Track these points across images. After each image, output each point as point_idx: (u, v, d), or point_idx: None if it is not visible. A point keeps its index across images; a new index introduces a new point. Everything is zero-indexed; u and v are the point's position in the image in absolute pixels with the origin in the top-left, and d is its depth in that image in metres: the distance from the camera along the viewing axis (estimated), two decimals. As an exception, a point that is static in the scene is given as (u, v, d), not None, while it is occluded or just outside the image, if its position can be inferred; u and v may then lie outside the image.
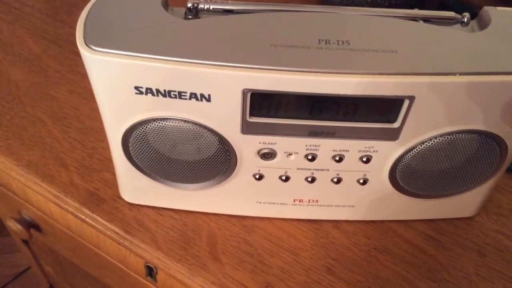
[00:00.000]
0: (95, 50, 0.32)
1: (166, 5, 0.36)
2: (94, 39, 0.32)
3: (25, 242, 0.85)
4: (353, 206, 0.43)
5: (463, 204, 0.44)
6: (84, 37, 0.32)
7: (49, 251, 0.83)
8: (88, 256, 0.61)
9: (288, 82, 0.32)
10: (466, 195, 0.43)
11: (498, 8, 0.37)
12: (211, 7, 0.36)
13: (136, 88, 0.33)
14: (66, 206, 0.46)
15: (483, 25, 0.36)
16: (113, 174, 0.44)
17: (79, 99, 0.54)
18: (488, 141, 0.37)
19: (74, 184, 0.47)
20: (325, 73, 0.32)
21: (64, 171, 0.48)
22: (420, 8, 0.61)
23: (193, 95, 0.33)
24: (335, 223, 0.45)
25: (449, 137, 0.36)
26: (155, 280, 0.50)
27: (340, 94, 0.33)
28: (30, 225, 0.68)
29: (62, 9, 0.64)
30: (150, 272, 0.51)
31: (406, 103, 0.33)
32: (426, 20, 0.36)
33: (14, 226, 0.67)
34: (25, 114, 0.52)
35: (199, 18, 0.36)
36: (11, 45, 0.60)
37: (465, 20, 0.36)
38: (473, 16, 0.38)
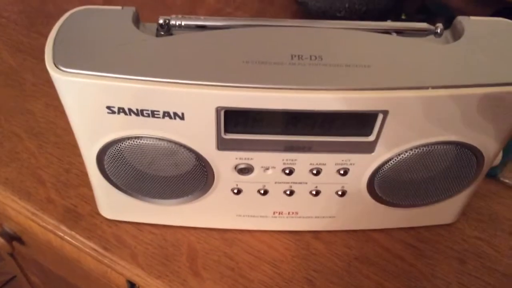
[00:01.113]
0: (65, 71, 0.31)
1: (137, 22, 0.35)
2: (63, 60, 0.32)
3: (9, 254, 0.84)
4: (333, 217, 0.43)
5: (443, 211, 0.44)
6: (53, 58, 0.32)
7: (34, 262, 0.82)
8: (71, 268, 0.61)
9: (261, 99, 0.32)
10: (445, 202, 0.43)
11: (472, 17, 0.37)
12: (183, 23, 0.35)
13: (108, 107, 0.33)
14: (44, 224, 0.45)
15: (456, 36, 0.36)
16: (91, 189, 0.43)
17: (56, 112, 0.53)
18: (464, 151, 0.37)
19: (52, 200, 0.46)
20: (298, 90, 0.31)
21: (41, 187, 0.47)
22: (399, 12, 0.62)
23: (166, 114, 0.33)
24: (316, 233, 0.45)
25: (424, 148, 0.36)
26: (137, 294, 0.50)
27: (314, 110, 0.33)
28: (13, 238, 0.67)
29: (38, 20, 0.63)
30: (132, 286, 0.50)
31: (380, 117, 0.33)
32: (399, 32, 0.36)
33: (-5, 239, 0.66)
34: (1, 129, 0.51)
35: (171, 34, 0.35)
36: (-14, 58, 0.59)
37: (439, 31, 0.36)
38: (451, 19, 0.38)
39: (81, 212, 0.45)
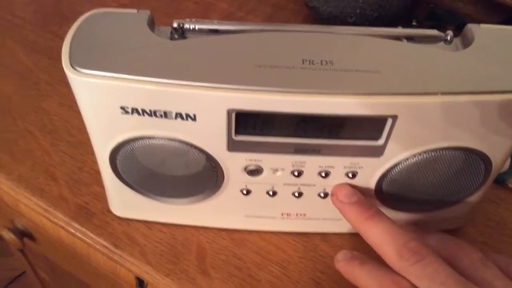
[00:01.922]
0: (81, 72, 0.32)
1: (152, 25, 0.36)
2: (80, 60, 0.32)
3: (19, 249, 0.85)
4: (341, 219, 0.43)
5: (450, 216, 0.45)
6: (70, 59, 0.33)
7: (44, 258, 0.84)
8: (81, 265, 0.62)
9: (272, 102, 0.32)
10: (452, 208, 0.43)
11: (482, 25, 0.37)
12: (196, 27, 0.36)
13: (122, 108, 0.34)
14: (55, 220, 0.46)
15: (466, 43, 0.37)
16: (103, 187, 0.44)
17: (70, 111, 0.54)
18: (472, 157, 0.37)
19: (64, 198, 0.47)
20: (308, 93, 0.32)
21: (54, 184, 0.48)
22: (409, 18, 0.62)
23: (178, 115, 0.34)
24: (324, 236, 0.45)
25: (432, 153, 0.36)
26: (146, 291, 0.51)
27: (323, 114, 0.33)
28: (24, 234, 0.68)
29: (53, 21, 0.64)
30: (141, 284, 0.51)
31: (390, 121, 0.34)
32: (410, 38, 0.37)
33: (7, 235, 0.67)
34: (15, 128, 0.52)
35: (185, 38, 0.36)
36: (1, 57, 0.60)
37: (449, 38, 0.37)
38: (460, 26, 0.38)
39: (92, 210, 0.46)
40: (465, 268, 0.33)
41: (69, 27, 0.34)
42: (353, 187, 0.39)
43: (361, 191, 0.40)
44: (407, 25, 0.62)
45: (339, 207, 0.38)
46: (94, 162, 0.40)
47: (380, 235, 0.34)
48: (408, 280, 0.32)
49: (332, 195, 0.38)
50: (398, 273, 0.33)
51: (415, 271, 0.32)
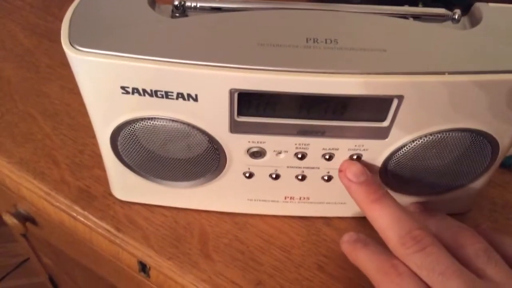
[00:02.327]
0: (80, 50, 0.31)
1: (153, 3, 0.35)
2: (79, 39, 0.32)
3: (22, 234, 0.86)
4: (344, 203, 0.43)
5: (456, 200, 0.44)
6: (69, 37, 0.32)
7: (47, 243, 0.84)
8: (83, 249, 0.61)
9: (275, 82, 0.32)
10: (458, 191, 0.42)
11: (490, 4, 0.36)
12: (198, 5, 0.35)
13: (122, 88, 0.33)
14: (57, 204, 0.46)
15: (474, 22, 0.36)
16: (104, 170, 0.43)
17: (70, 94, 0.53)
18: (479, 139, 0.36)
19: (66, 181, 0.46)
20: (312, 73, 0.31)
21: (56, 168, 0.47)
22: (411, 1, 0.61)
23: (180, 95, 0.33)
24: (327, 220, 0.45)
25: (439, 135, 0.36)
26: (148, 275, 0.50)
27: (328, 94, 0.32)
28: (26, 219, 0.68)
29: (53, 3, 0.63)
30: (144, 268, 0.51)
31: (395, 102, 0.33)
32: (416, 17, 0.36)
33: (10, 220, 0.67)
34: (16, 110, 0.52)
35: (186, 16, 0.35)
36: (2, 40, 0.60)
37: (456, 17, 0.36)
38: (467, 8, 0.37)
39: (94, 193, 0.46)
40: (468, 258, 0.32)
41: (70, 9, 0.34)
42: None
43: (366, 174, 0.40)
44: (413, 4, 0.61)
45: (346, 184, 0.37)
46: (96, 145, 0.40)
47: (385, 219, 0.34)
48: (407, 266, 0.32)
49: (340, 171, 0.37)
50: (398, 258, 0.32)
51: (415, 259, 0.31)
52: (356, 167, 0.37)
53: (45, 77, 0.55)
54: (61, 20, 0.33)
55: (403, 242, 0.32)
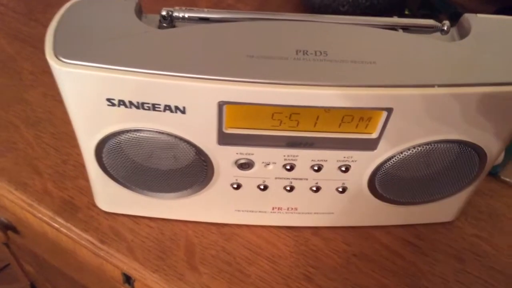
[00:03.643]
0: (65, 62, 0.31)
1: (139, 13, 0.34)
2: (63, 50, 0.31)
3: (3, 243, 0.84)
4: (332, 213, 0.43)
5: (443, 209, 0.44)
6: (54, 48, 0.31)
7: (29, 251, 0.82)
8: (67, 259, 0.60)
9: (264, 95, 0.31)
10: (446, 200, 0.42)
11: (479, 15, 0.36)
12: (186, 15, 0.35)
13: (108, 100, 0.32)
14: (40, 215, 0.45)
15: (463, 33, 0.36)
16: (88, 181, 0.43)
17: (53, 102, 0.52)
18: (467, 150, 0.36)
19: (48, 192, 0.45)
20: (302, 86, 0.31)
21: (38, 178, 0.46)
22: (402, 7, 0.61)
23: (167, 107, 0.32)
24: (315, 229, 0.45)
25: (427, 147, 0.36)
26: (133, 287, 0.50)
27: (317, 106, 0.32)
28: (7, 227, 0.66)
29: (37, 8, 0.62)
30: (128, 279, 0.50)
31: (384, 114, 0.33)
32: (405, 28, 0.36)
33: (-10, 229, 0.65)
34: (-3, 119, 0.51)
35: (174, 26, 0.35)
36: (-17, 46, 0.58)
37: (445, 28, 0.36)
38: (452, 15, 0.37)
39: (77, 204, 0.45)
40: None
41: (53, 14, 0.33)
42: (346, 180, 0.39)
43: (354, 185, 0.39)
44: (400, 14, 0.62)
45: None
46: (79, 154, 0.39)
47: None
48: None
49: None
50: None
51: None
52: None
53: (27, 84, 0.54)
54: (44, 26, 0.33)
55: None
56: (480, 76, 0.32)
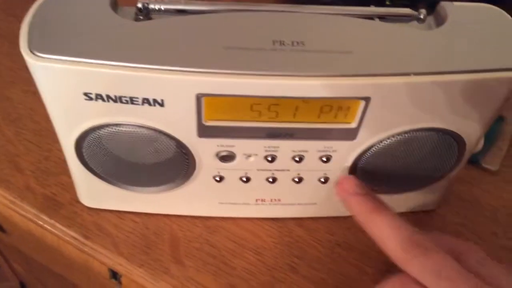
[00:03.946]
0: (40, 57, 0.30)
1: (115, 5, 0.34)
2: (39, 45, 0.31)
3: (-10, 241, 0.83)
4: (315, 203, 0.43)
5: (425, 197, 0.44)
6: (28, 43, 0.31)
7: (16, 250, 0.82)
8: (54, 257, 0.60)
9: (241, 86, 0.31)
10: (427, 189, 0.43)
11: (455, 3, 0.37)
12: (162, 7, 0.34)
13: (85, 94, 0.32)
14: (23, 212, 0.45)
15: (440, 21, 0.36)
16: (71, 177, 0.42)
17: (34, 98, 0.52)
18: (445, 137, 0.37)
19: (31, 188, 0.45)
20: (279, 76, 0.31)
21: (20, 175, 0.46)
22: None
23: (145, 101, 0.32)
24: (299, 220, 0.45)
25: (406, 135, 0.36)
26: (120, 282, 0.50)
27: (295, 97, 0.32)
28: (-7, 226, 0.66)
29: (15, 4, 0.61)
30: (115, 274, 0.50)
31: (362, 104, 0.33)
32: (382, 17, 0.36)
33: (-25, 228, 0.65)
34: (-23, 116, 0.50)
35: (150, 19, 0.35)
36: (-39, 43, 0.58)
37: (422, 16, 0.36)
38: (432, 4, 0.37)
39: (61, 201, 0.44)
40: (471, 266, 0.31)
41: (33, 9, 0.33)
42: (328, 170, 0.39)
43: (336, 175, 0.40)
44: (380, 3, 0.62)
45: (344, 197, 0.36)
46: (61, 150, 0.39)
47: (384, 228, 0.32)
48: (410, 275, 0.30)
49: (338, 185, 0.36)
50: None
51: (418, 264, 0.30)
52: (353, 181, 0.36)
53: (6, 80, 0.54)
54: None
55: (404, 248, 0.30)
56: (456, 64, 0.32)
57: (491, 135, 0.51)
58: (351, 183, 0.36)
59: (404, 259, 0.30)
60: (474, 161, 0.49)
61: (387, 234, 0.32)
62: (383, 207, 0.34)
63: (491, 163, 0.50)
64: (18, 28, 0.30)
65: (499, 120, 0.52)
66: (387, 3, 0.61)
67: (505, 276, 0.30)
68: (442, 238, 0.35)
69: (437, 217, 0.46)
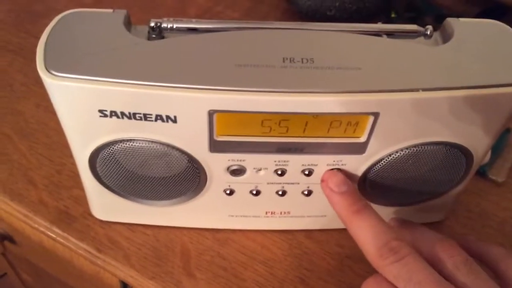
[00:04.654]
0: (56, 76, 0.31)
1: (128, 25, 0.35)
2: (54, 64, 0.32)
3: (0, 253, 0.84)
4: (325, 216, 0.44)
5: (433, 209, 0.45)
6: (45, 62, 0.32)
7: (26, 260, 0.82)
8: (64, 268, 0.61)
9: (253, 103, 0.32)
10: (435, 201, 0.43)
11: (461, 19, 0.37)
12: (174, 26, 0.35)
13: (100, 111, 0.33)
14: (36, 226, 0.45)
15: (446, 38, 0.37)
16: (83, 190, 0.43)
17: (46, 113, 0.53)
18: (453, 151, 0.37)
19: (44, 202, 0.46)
20: (289, 93, 0.32)
21: (33, 189, 0.47)
22: (388, 10, 0.62)
23: (158, 117, 0.33)
24: (308, 232, 0.45)
25: (414, 149, 0.36)
26: (131, 294, 0.50)
27: (305, 113, 0.33)
28: (4, 237, 0.67)
29: (26, 19, 0.62)
30: (126, 286, 0.50)
31: (371, 119, 0.34)
32: (390, 34, 0.37)
33: (-14, 240, 0.66)
34: (-9, 131, 0.51)
35: (163, 37, 0.35)
36: (-26, 58, 0.59)
37: (428, 33, 0.37)
38: (438, 17, 0.38)
39: (73, 214, 0.45)
40: (447, 270, 0.33)
41: (43, 25, 0.33)
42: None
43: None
44: (386, 18, 0.62)
45: (327, 194, 0.37)
46: (74, 164, 0.39)
47: (364, 231, 0.34)
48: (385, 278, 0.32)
49: (322, 181, 0.38)
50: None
51: (392, 270, 0.31)
52: (337, 177, 0.37)
53: (19, 95, 0.55)
54: (34, 37, 0.33)
55: (381, 253, 0.32)
56: (464, 80, 0.33)
57: (498, 146, 0.51)
58: (336, 179, 0.36)
59: (379, 265, 0.32)
60: (481, 172, 0.50)
61: (366, 238, 0.33)
62: (366, 208, 0.35)
63: (498, 174, 0.50)
64: (30, 44, 0.31)
65: (505, 132, 0.53)
66: (393, 15, 0.62)
67: (480, 281, 0.31)
68: (425, 236, 0.36)
69: (444, 228, 0.47)
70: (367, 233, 0.34)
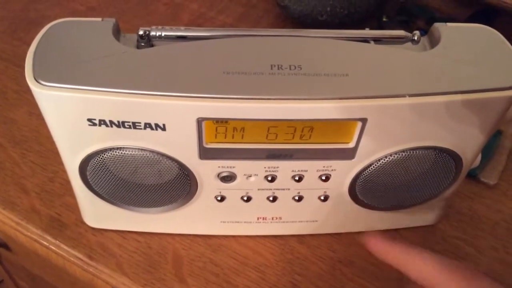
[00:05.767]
0: (44, 85, 0.31)
1: (117, 33, 0.35)
2: (43, 73, 0.32)
3: (-4, 259, 0.84)
4: (316, 221, 0.44)
5: (425, 213, 0.45)
6: (33, 72, 0.32)
7: (22, 267, 0.82)
8: (59, 275, 0.61)
9: (241, 110, 0.32)
10: (426, 204, 0.43)
11: (448, 24, 0.37)
12: (163, 34, 0.35)
13: (89, 120, 0.33)
14: (28, 234, 0.45)
15: (434, 42, 0.37)
16: (75, 198, 0.43)
17: (39, 121, 0.53)
18: (442, 155, 0.37)
19: (36, 210, 0.46)
20: (277, 100, 0.32)
21: (25, 197, 0.47)
22: (379, 14, 0.62)
23: (147, 125, 0.33)
24: (300, 237, 0.45)
25: (403, 153, 0.36)
26: (124, 301, 0.50)
27: (293, 119, 0.33)
28: (-1, 245, 0.67)
29: (20, 27, 0.63)
30: (119, 293, 0.50)
31: (359, 124, 0.34)
32: (377, 40, 0.37)
33: (-19, 247, 0.66)
34: (-17, 139, 0.51)
35: (152, 45, 0.36)
36: (-33, 66, 0.59)
37: (416, 38, 0.37)
38: (431, 20, 0.38)
39: (65, 221, 0.45)
40: None
41: (36, 33, 0.34)
42: (327, 189, 0.40)
43: (335, 193, 0.40)
44: (378, 22, 0.63)
45: (376, 250, 0.35)
46: (66, 172, 0.39)
47: (424, 266, 0.33)
48: None
49: (366, 243, 0.36)
50: None
51: None
52: (376, 233, 0.35)
53: (12, 103, 0.55)
54: (27, 44, 0.33)
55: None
56: (451, 85, 0.33)
57: (489, 149, 0.52)
58: (376, 235, 0.36)
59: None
60: (473, 175, 0.50)
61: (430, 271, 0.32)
62: (412, 246, 0.34)
63: (490, 177, 0.50)
64: (23, 51, 0.31)
65: (497, 134, 0.53)
66: (384, 19, 0.62)
67: None
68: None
69: (436, 231, 0.47)
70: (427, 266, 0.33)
